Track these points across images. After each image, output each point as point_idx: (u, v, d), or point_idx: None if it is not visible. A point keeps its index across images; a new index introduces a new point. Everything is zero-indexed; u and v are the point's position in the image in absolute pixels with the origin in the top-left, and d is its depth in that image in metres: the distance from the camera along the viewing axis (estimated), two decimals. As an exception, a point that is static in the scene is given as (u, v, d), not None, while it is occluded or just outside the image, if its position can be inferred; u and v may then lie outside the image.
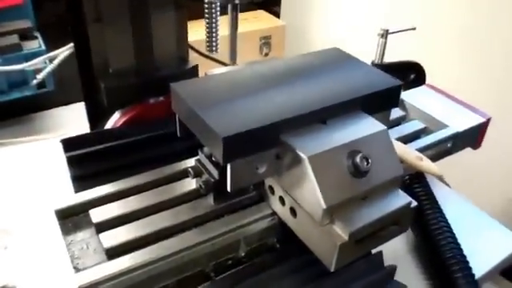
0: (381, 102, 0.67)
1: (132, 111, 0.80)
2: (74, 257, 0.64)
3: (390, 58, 1.13)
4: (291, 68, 0.71)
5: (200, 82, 0.67)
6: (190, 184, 0.72)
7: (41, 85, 1.21)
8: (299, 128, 0.59)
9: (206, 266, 0.64)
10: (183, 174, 0.73)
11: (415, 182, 0.91)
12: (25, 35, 1.24)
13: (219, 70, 0.87)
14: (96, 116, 0.84)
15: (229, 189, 0.60)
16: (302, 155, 0.55)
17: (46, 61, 1.20)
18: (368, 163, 0.56)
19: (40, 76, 1.16)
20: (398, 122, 0.97)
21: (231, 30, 0.54)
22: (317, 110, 0.59)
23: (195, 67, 0.85)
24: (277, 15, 1.92)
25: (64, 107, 1.39)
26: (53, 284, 0.57)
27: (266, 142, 0.58)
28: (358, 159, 0.56)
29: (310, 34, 1.93)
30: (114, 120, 0.80)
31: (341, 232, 0.55)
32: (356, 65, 0.72)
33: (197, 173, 0.69)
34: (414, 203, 0.60)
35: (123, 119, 0.80)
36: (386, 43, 1.17)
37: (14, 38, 1.21)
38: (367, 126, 0.62)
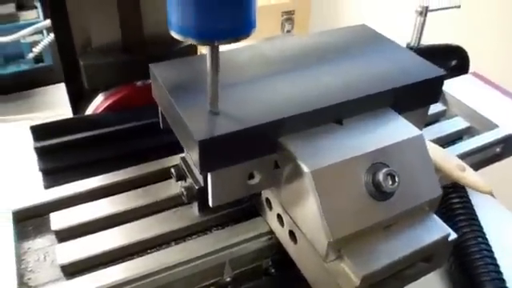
0: (417, 98, 0.52)
1: (116, 95, 0.67)
2: (26, 269, 0.53)
3: (429, 40, 0.97)
4: (305, 48, 0.56)
5: (186, 64, 0.53)
6: (174, 187, 0.59)
7: (38, 59, 1.10)
8: (305, 129, 0.45)
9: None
10: (167, 174, 0.61)
11: (451, 191, 0.76)
12: (22, 4, 1.13)
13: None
14: (79, 99, 0.72)
15: (210, 203, 0.47)
16: (305, 168, 0.41)
17: (43, 33, 1.09)
18: (394, 182, 0.42)
19: (36, 49, 1.04)
20: (436, 118, 0.81)
21: (211, 74, 0.40)
22: (330, 106, 0.45)
23: (192, 46, 0.71)
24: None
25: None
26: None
27: (260, 147, 0.44)
28: (380, 176, 0.42)
29: (339, 12, 1.75)
30: (96, 104, 0.68)
31: (351, 274, 0.41)
32: (387, 47, 0.57)
33: (180, 175, 0.56)
34: (454, 235, 0.46)
35: (105, 104, 0.67)
36: (424, 22, 1.00)
37: (11, 7, 1.10)
38: (397, 129, 0.47)
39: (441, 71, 0.53)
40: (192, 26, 0.36)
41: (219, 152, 0.42)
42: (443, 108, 0.82)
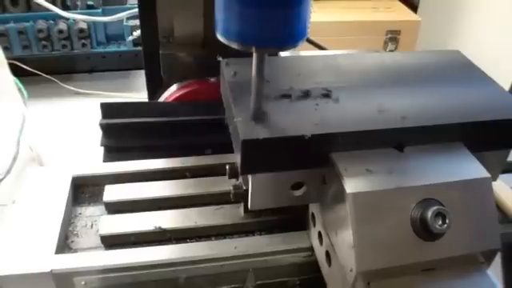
0: (495, 138, 0.47)
1: (188, 87, 0.69)
2: (73, 232, 0.56)
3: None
4: (384, 66, 0.53)
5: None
6: (227, 184, 0.59)
7: (137, 43, 1.17)
8: (361, 149, 0.43)
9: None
10: (223, 170, 0.60)
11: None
12: (135, -12, 1.21)
13: (304, 52, 0.72)
14: (157, 87, 0.74)
15: (249, 206, 0.46)
16: (347, 188, 0.39)
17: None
18: (444, 223, 0.38)
19: (136, 33, 1.11)
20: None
21: (256, 80, 0.39)
22: (389, 129, 0.42)
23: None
24: (413, 8, 1.65)
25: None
26: (30, 259, 0.49)
27: (307, 159, 0.42)
28: (429, 214, 0.38)
29: (450, 37, 1.64)
30: (169, 93, 0.70)
31: (376, 312, 0.38)
32: (475, 78, 0.52)
33: (233, 173, 0.56)
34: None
35: (176, 94, 0.69)
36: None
37: (120, -10, 1.19)
38: (462, 167, 0.43)
39: (531, 113, 0.47)
40: (235, 30, 0.35)
41: (262, 155, 0.40)
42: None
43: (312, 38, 0.94)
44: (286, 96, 0.45)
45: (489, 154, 0.48)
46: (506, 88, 0.76)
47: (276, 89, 0.46)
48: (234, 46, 0.36)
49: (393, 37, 1.50)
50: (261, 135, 0.39)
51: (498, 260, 0.80)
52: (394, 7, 1.58)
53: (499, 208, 0.57)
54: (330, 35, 1.27)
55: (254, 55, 0.38)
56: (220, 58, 0.51)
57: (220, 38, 0.37)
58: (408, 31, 1.50)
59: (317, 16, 1.37)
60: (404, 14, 1.55)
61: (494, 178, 0.52)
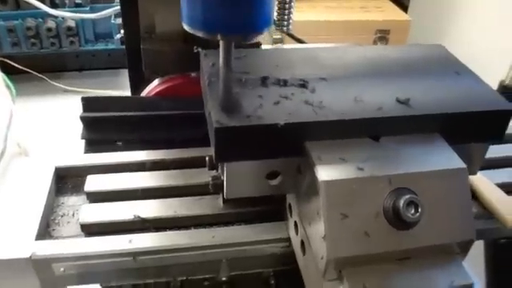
0: (472, 130, 0.47)
1: (169, 82, 0.69)
2: (54, 221, 0.56)
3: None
4: (364, 59, 0.53)
5: (238, 55, 0.53)
6: (207, 175, 0.59)
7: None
8: (335, 138, 0.43)
9: (173, 278, 0.51)
10: (203, 162, 0.60)
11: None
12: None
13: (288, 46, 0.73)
14: (139, 84, 0.74)
15: (225, 195, 0.46)
16: (319, 176, 0.39)
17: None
18: (417, 212, 0.38)
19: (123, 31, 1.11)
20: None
21: (223, 69, 0.39)
22: (363, 119, 0.42)
23: (256, 44, 0.69)
24: (404, 8, 1.65)
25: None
26: (10, 245, 0.49)
27: (281, 147, 0.42)
28: (401, 202, 0.38)
29: (441, 37, 1.64)
30: (150, 88, 0.70)
31: (346, 299, 0.38)
32: (455, 71, 0.52)
33: (213, 164, 0.56)
34: (477, 286, 0.40)
35: (157, 89, 0.69)
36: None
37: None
38: (437, 157, 0.43)
39: (508, 105, 0.47)
40: (199, 19, 0.35)
41: (236, 144, 0.40)
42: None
43: (301, 37, 0.94)
44: (263, 85, 0.45)
45: (468, 147, 0.48)
46: (495, 86, 0.76)
47: (253, 78, 0.46)
48: (199, 34, 0.36)
49: (382, 36, 1.51)
50: (234, 123, 0.39)
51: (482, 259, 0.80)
52: (384, 7, 1.59)
53: (481, 203, 0.57)
54: (320, 34, 1.28)
55: (221, 44, 0.38)
56: (199, 49, 0.51)
57: (185, 26, 0.37)
58: (398, 31, 1.51)
59: (306, 15, 1.38)
60: (394, 13, 1.56)
61: (474, 172, 0.52)
